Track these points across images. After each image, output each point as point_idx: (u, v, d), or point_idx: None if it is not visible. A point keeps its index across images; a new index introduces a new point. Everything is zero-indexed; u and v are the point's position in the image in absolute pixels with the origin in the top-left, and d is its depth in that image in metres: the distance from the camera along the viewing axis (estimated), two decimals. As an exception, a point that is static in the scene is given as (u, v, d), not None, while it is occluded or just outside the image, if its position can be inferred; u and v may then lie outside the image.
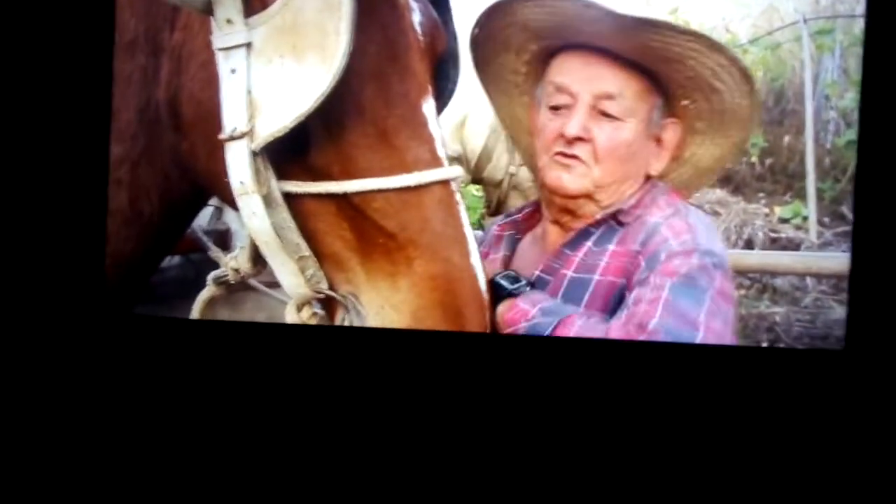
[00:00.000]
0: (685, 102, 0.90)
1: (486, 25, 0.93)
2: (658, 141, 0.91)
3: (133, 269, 0.98)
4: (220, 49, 0.76)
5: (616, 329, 0.82)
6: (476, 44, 0.97)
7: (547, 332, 0.84)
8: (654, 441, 0.97)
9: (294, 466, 1.00)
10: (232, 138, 0.75)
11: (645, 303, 0.81)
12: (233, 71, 0.76)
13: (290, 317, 0.81)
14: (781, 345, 1.21)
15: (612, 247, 0.89)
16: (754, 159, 1.29)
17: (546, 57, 0.94)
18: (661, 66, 0.89)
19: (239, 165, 0.76)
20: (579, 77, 0.89)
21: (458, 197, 0.79)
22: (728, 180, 1.32)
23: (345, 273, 0.80)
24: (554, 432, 0.99)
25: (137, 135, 0.88)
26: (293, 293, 0.81)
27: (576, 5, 0.88)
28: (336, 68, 0.72)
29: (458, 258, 0.77)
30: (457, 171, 0.80)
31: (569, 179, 0.89)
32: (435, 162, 0.78)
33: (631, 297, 0.84)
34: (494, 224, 1.06)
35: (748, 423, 0.95)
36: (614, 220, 0.91)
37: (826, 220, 1.28)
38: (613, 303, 0.85)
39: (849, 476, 0.92)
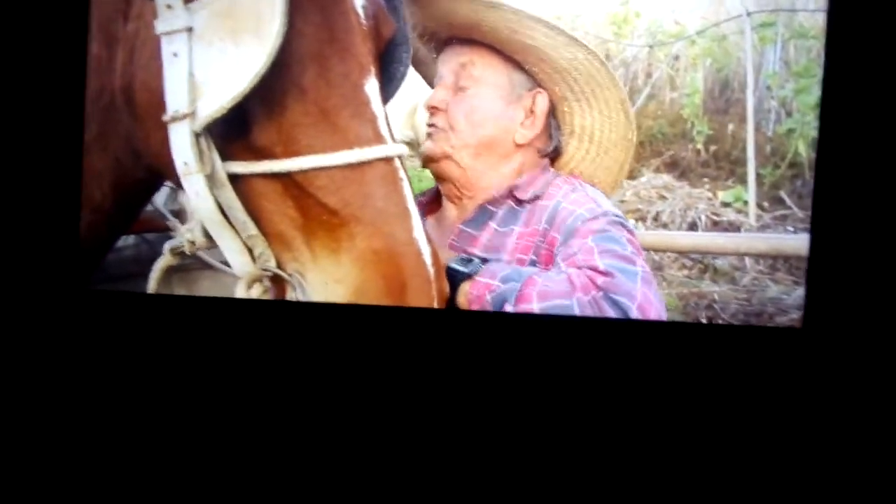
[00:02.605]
0: (533, 69, 0.97)
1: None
2: (530, 112, 0.99)
3: (85, 251, 1.00)
4: (163, 33, 0.78)
5: (576, 276, 0.87)
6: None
7: (513, 297, 0.88)
8: (613, 417, 1.02)
9: (255, 442, 1.03)
10: (174, 119, 0.78)
11: (581, 254, 0.88)
12: (175, 55, 0.78)
13: (240, 295, 0.83)
14: (720, 321, 1.29)
15: (517, 228, 0.96)
16: (699, 146, 1.35)
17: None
18: (473, 32, 0.97)
19: (182, 146, 0.78)
20: (444, 62, 1.01)
21: (401, 173, 0.81)
22: (674, 165, 1.38)
23: (291, 252, 0.81)
24: (506, 407, 1.04)
25: (89, 122, 0.91)
26: (240, 271, 0.83)
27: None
28: (270, 49, 0.74)
29: (400, 232, 0.78)
30: (400, 149, 0.82)
31: (430, 145, 1.00)
32: (377, 139, 0.80)
33: (559, 259, 0.90)
34: None
35: (706, 399, 1.00)
36: (512, 200, 0.98)
37: (765, 204, 1.34)
38: None
39: (804, 453, 0.99)
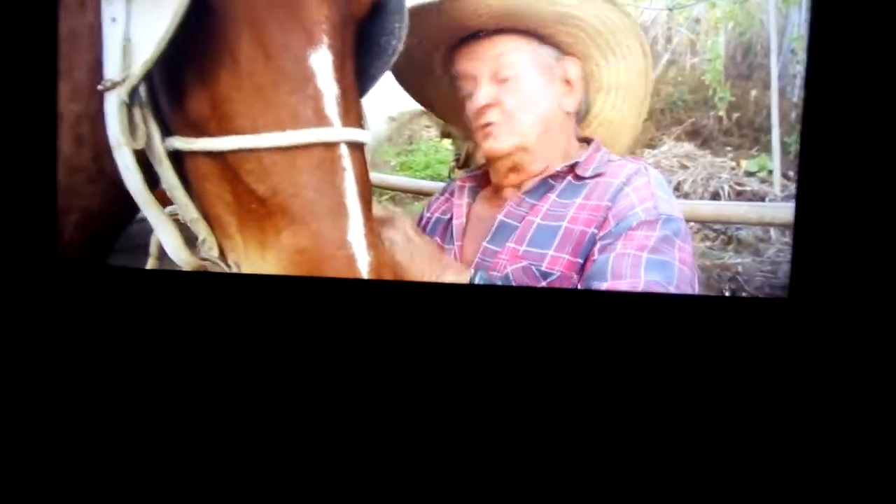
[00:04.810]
0: (560, 39, 0.99)
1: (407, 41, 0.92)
2: (568, 83, 1.01)
3: (104, 224, 1.00)
4: None
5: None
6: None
7: None
8: (603, 391, 1.02)
9: (266, 420, 1.04)
10: (106, 88, 0.73)
11: (626, 279, 0.89)
12: (113, 19, 0.73)
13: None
14: (743, 293, 1.28)
15: (579, 200, 0.97)
16: (721, 113, 1.33)
17: (448, 65, 1.04)
18: (506, 20, 0.98)
19: (111, 117, 0.72)
20: (471, 61, 1.01)
21: (345, 162, 0.71)
22: (696, 134, 1.36)
23: (229, 239, 0.75)
24: (501, 380, 1.04)
25: (93, 92, 0.83)
26: (175, 258, 0.77)
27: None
28: (175, 10, 0.67)
29: (331, 232, 0.69)
30: (350, 134, 0.72)
31: (495, 141, 1.00)
32: (319, 121, 0.71)
33: (609, 263, 0.90)
34: (458, 178, 1.16)
35: (696, 370, 1.01)
36: (573, 176, 1.00)
37: (790, 173, 1.32)
38: (585, 248, 0.93)
39: (791, 422, 0.99)
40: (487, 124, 0.99)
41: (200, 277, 0.88)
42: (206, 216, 0.76)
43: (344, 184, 0.71)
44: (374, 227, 0.73)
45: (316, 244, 0.69)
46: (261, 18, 0.72)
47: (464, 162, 1.35)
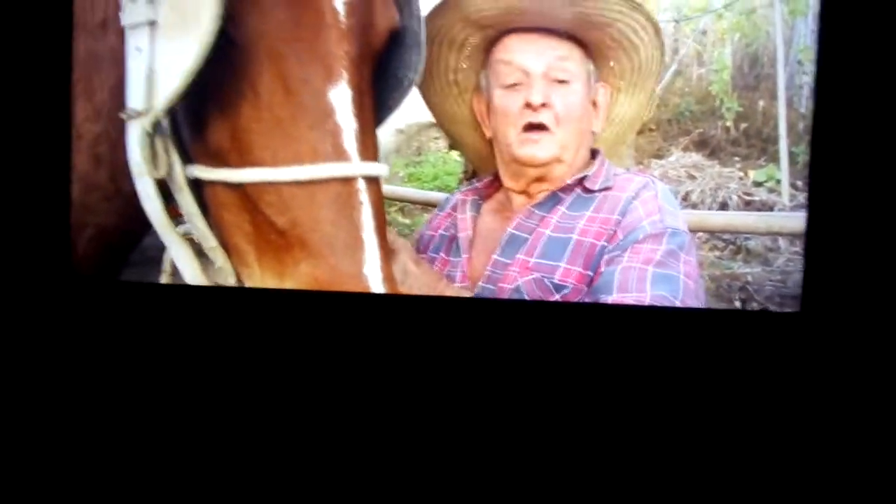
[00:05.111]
0: (612, 64, 1.00)
1: (427, 27, 0.92)
2: (594, 105, 1.01)
3: (118, 240, 1.01)
4: (127, 26, 0.74)
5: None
6: None
7: None
8: (612, 406, 1.02)
9: (278, 436, 1.04)
10: (129, 117, 0.73)
11: (632, 293, 0.88)
12: (137, 49, 0.73)
13: None
14: (754, 304, 1.28)
15: (588, 213, 0.97)
16: (729, 124, 1.33)
17: (486, 47, 1.01)
18: (593, 32, 0.98)
19: (134, 146, 0.73)
20: (528, 53, 0.98)
21: (362, 197, 0.72)
22: (704, 144, 1.37)
23: (246, 268, 0.76)
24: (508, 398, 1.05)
25: (113, 114, 0.85)
26: (192, 282, 0.78)
27: None
28: (201, 43, 0.68)
29: (347, 265, 0.70)
30: (368, 168, 0.73)
31: (539, 149, 0.97)
32: (337, 156, 0.72)
33: (616, 276, 0.90)
34: (457, 192, 1.12)
35: (708, 385, 1.01)
36: (581, 188, 0.99)
37: (799, 183, 1.32)
38: (596, 261, 0.93)
39: (802, 437, 0.98)
40: (537, 126, 0.96)
41: (213, 292, 0.89)
42: (225, 245, 0.77)
43: (361, 217, 0.73)
44: (387, 258, 0.75)
45: (333, 276, 0.71)
46: (282, 52, 0.73)
47: (472, 174, 1.36)
